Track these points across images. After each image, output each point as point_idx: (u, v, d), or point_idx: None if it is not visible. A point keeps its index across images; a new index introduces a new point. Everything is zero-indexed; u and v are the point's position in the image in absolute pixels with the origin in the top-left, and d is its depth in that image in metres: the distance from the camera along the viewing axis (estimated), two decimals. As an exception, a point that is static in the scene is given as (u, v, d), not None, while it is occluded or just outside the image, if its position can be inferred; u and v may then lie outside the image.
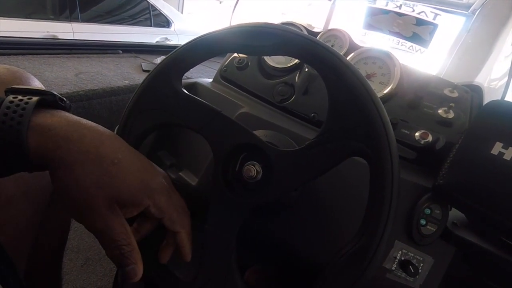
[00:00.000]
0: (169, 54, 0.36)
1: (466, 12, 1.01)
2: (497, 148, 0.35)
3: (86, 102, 1.08)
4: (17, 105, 0.25)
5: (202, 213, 0.33)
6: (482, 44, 0.88)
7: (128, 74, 1.31)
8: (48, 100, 0.27)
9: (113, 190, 0.26)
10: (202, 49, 0.35)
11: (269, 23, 0.32)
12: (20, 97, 0.26)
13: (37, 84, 0.45)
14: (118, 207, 0.27)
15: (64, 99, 0.29)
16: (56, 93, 0.28)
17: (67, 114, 0.28)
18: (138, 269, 0.28)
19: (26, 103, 0.25)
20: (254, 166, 0.33)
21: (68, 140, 0.25)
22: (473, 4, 0.99)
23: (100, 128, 0.28)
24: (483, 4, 0.94)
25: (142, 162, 0.30)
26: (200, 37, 0.35)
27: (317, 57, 0.31)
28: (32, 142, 0.25)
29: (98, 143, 0.27)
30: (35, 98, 0.26)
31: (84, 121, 0.28)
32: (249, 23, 0.33)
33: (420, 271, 0.41)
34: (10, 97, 0.26)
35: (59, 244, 0.56)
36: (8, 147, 0.24)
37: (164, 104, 0.35)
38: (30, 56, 1.31)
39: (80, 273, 0.93)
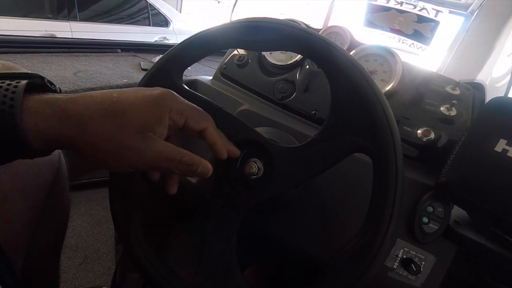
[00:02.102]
0: (170, 50, 0.35)
1: (465, 12, 1.01)
2: (501, 145, 0.35)
3: (85, 101, 1.07)
4: (6, 89, 0.24)
5: (202, 211, 0.33)
6: (482, 43, 0.88)
7: (127, 73, 1.30)
8: (37, 83, 0.27)
9: (132, 123, 0.26)
10: (202, 45, 0.34)
11: (271, 18, 0.32)
12: (8, 81, 0.25)
13: None
14: (150, 132, 0.27)
15: (53, 82, 0.29)
16: (44, 77, 0.28)
17: (57, 94, 0.27)
18: (206, 166, 0.29)
19: (15, 86, 0.25)
20: (256, 163, 0.32)
21: (65, 111, 0.25)
22: (471, 5, 1.00)
23: (88, 92, 0.28)
24: (481, 4, 0.95)
25: (137, 88, 0.30)
26: (200, 32, 0.34)
27: (320, 52, 0.30)
28: (29, 125, 0.24)
29: (90, 99, 0.26)
30: (23, 82, 0.25)
31: (73, 94, 0.28)
32: (250, 17, 0.33)
33: (422, 269, 0.40)
34: None
35: (56, 241, 0.55)
36: (3, 132, 0.23)
37: None
38: (29, 54, 1.30)
39: (78, 271, 0.93)
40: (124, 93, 0.27)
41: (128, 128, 0.26)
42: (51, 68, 1.19)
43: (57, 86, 0.29)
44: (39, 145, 0.25)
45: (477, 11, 0.96)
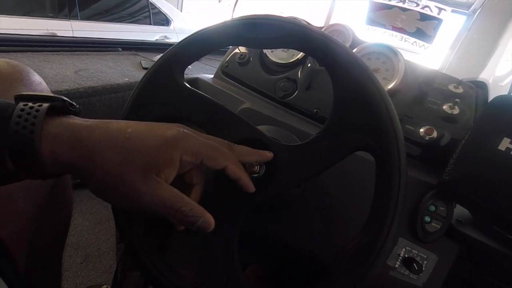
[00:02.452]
0: (170, 48, 0.35)
1: (467, 11, 1.01)
2: (504, 143, 0.35)
3: (86, 99, 1.08)
4: (28, 113, 0.25)
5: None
6: (484, 41, 0.87)
7: (128, 72, 1.31)
8: (58, 106, 0.27)
9: (138, 161, 0.26)
10: (203, 42, 0.34)
11: (273, 15, 0.32)
12: (30, 104, 0.25)
13: (37, 78, 0.44)
14: (155, 174, 0.26)
15: (74, 103, 0.29)
16: (66, 99, 0.28)
17: (77, 118, 0.27)
18: (208, 220, 0.28)
19: (37, 110, 0.25)
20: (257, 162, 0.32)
21: (80, 139, 0.25)
22: (473, 4, 0.99)
23: (106, 120, 0.28)
24: (483, 3, 0.94)
25: (152, 125, 0.29)
26: (201, 30, 0.34)
27: (322, 50, 0.30)
28: (46, 150, 0.24)
29: (105, 131, 0.26)
30: (45, 105, 0.25)
31: (92, 120, 0.28)
32: (252, 15, 0.32)
33: (424, 268, 0.40)
34: (21, 105, 0.25)
35: (58, 240, 0.55)
36: (21, 156, 0.24)
37: (166, 98, 0.34)
38: (30, 53, 1.30)
39: (80, 269, 0.93)
40: (139, 130, 0.27)
41: (131, 166, 0.25)
42: (52, 67, 1.19)
43: (77, 107, 0.29)
44: (53, 170, 0.26)
45: (479, 10, 0.95)
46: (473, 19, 0.97)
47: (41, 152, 0.24)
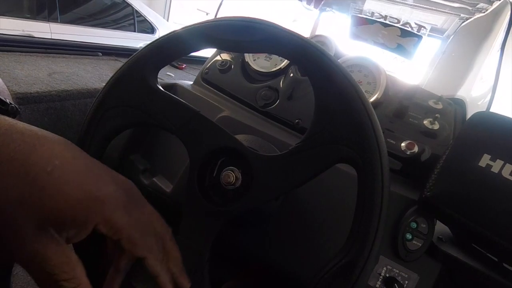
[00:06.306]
0: (145, 46, 0.32)
1: (442, 36, 1.06)
2: (484, 160, 0.34)
3: (59, 103, 1.01)
4: None
5: (177, 222, 0.30)
6: (459, 63, 0.92)
7: (107, 77, 1.25)
8: None
9: (42, 206, 0.20)
10: (181, 42, 0.32)
11: (257, 19, 0.30)
12: None
13: None
14: (54, 229, 0.21)
15: (8, 101, 0.24)
16: None
17: (2, 117, 0.22)
18: None
19: None
20: (233, 172, 0.30)
21: None
22: (447, 30, 1.05)
23: (40, 132, 0.23)
24: (456, 30, 1.00)
25: (91, 168, 0.24)
26: (177, 30, 0.32)
27: (307, 57, 0.29)
28: None
29: (29, 148, 0.21)
30: None
31: (21, 125, 0.22)
32: (234, 17, 0.31)
33: (405, 289, 0.39)
34: None
35: (6, 258, 0.49)
36: None
37: (135, 101, 0.31)
38: (0, 53, 1.23)
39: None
40: (67, 166, 0.22)
41: (28, 206, 0.20)
42: (24, 68, 1.12)
43: (12, 105, 0.25)
44: None
45: (452, 36, 1.01)
46: (447, 43, 1.02)
47: None
